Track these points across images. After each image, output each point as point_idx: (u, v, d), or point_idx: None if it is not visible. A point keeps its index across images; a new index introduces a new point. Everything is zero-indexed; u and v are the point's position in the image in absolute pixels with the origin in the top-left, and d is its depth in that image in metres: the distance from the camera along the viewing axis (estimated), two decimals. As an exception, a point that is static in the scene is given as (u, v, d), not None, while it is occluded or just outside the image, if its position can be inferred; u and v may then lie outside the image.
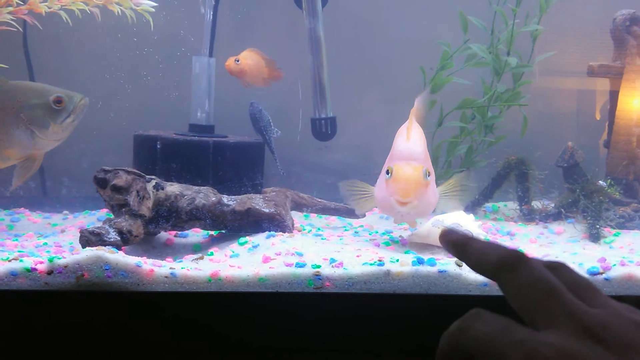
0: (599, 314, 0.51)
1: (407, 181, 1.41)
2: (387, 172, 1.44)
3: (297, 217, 1.85)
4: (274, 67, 2.13)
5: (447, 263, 1.32)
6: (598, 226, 1.78)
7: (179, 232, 1.66)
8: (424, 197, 1.44)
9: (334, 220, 1.94)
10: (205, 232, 1.67)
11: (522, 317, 0.53)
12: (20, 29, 1.79)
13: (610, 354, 0.48)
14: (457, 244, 0.60)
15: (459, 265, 1.29)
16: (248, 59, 2.07)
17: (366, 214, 1.94)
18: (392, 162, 1.47)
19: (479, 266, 0.58)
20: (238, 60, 2.05)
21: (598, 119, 2.37)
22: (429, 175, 1.45)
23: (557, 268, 0.56)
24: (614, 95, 2.12)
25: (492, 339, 0.51)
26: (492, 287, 1.22)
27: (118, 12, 1.77)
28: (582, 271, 1.26)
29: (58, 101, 1.57)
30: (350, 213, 1.89)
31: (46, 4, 1.72)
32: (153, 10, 1.81)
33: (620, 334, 0.49)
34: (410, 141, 1.49)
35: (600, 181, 1.92)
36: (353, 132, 2.26)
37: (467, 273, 1.23)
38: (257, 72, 2.09)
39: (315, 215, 1.93)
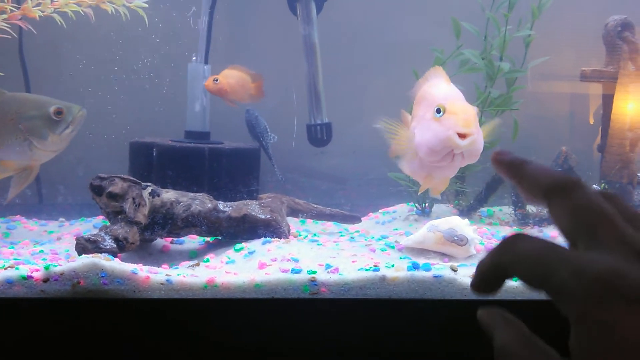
0: None
1: (466, 112, 1.35)
2: (438, 111, 1.35)
3: (293, 222, 1.85)
4: (261, 81, 2.08)
5: (443, 268, 1.33)
6: (592, 230, 1.79)
7: (175, 239, 1.66)
8: (479, 134, 1.36)
9: (330, 225, 1.95)
10: (201, 238, 1.67)
11: (569, 241, 0.52)
12: (16, 35, 1.80)
13: None
14: (512, 164, 0.59)
15: (454, 270, 1.30)
16: (229, 77, 2.02)
17: (362, 219, 1.95)
18: (436, 104, 1.38)
19: (533, 186, 0.56)
20: (217, 80, 1.99)
21: (592, 123, 2.38)
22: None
23: (612, 197, 0.55)
24: (607, 100, 2.14)
25: (537, 255, 0.50)
26: (487, 292, 1.23)
27: (112, 10, 1.78)
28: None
29: (58, 112, 1.58)
30: (346, 219, 1.90)
31: (39, 7, 1.73)
32: (146, 6, 1.82)
33: None
34: (452, 85, 1.44)
35: (594, 185, 1.93)
36: (349, 138, 2.27)
37: (462, 278, 1.24)
38: (242, 89, 2.04)
39: (311, 221, 1.94)
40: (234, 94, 2.03)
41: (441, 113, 1.34)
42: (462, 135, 1.32)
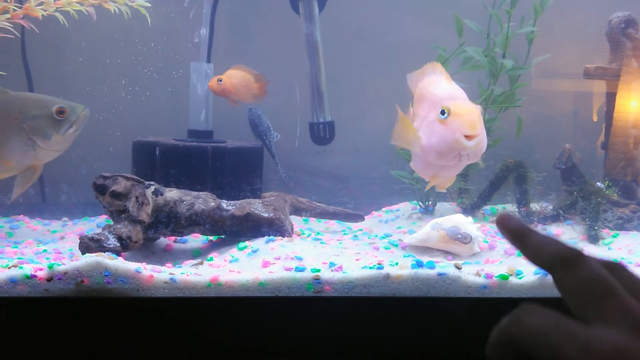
0: None
1: (471, 114, 1.35)
2: (442, 113, 1.35)
3: (296, 221, 1.85)
4: (264, 82, 2.07)
5: (447, 266, 1.33)
6: (596, 228, 1.78)
7: (179, 238, 1.66)
8: (483, 133, 1.37)
9: (333, 224, 1.95)
10: (205, 237, 1.67)
11: (576, 314, 0.53)
12: (19, 34, 1.80)
13: None
14: (517, 233, 0.60)
15: (459, 268, 1.30)
16: (232, 77, 2.01)
17: (365, 217, 1.95)
18: (439, 104, 1.38)
19: (537, 258, 0.58)
20: (221, 80, 1.98)
21: (595, 120, 2.38)
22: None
23: (615, 268, 0.56)
24: (610, 97, 2.13)
25: (546, 331, 0.51)
26: (492, 290, 1.23)
27: (115, 10, 1.78)
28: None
29: (61, 112, 1.58)
30: (349, 217, 1.90)
31: (42, 7, 1.73)
32: (149, 5, 1.82)
33: None
34: (454, 85, 1.44)
35: (598, 183, 1.93)
36: (352, 137, 2.27)
37: (466, 276, 1.24)
38: (245, 90, 2.03)
39: (315, 219, 1.94)
40: (238, 94, 2.03)
41: (446, 115, 1.34)
42: (468, 137, 1.32)
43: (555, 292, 1.26)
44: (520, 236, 0.60)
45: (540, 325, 0.52)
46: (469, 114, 1.34)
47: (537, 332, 0.52)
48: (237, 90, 2.01)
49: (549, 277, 1.22)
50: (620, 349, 0.48)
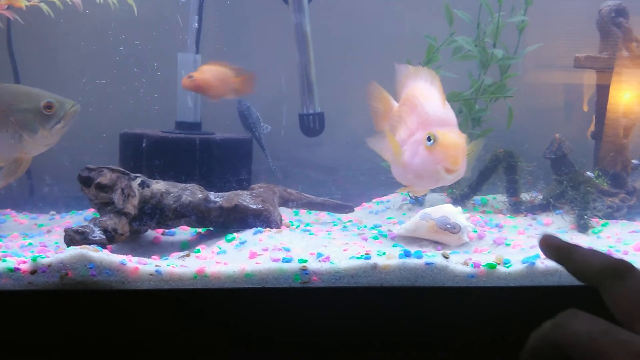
0: None
1: (456, 149, 1.35)
2: (429, 139, 1.36)
3: (286, 213, 1.84)
4: (245, 75, 2.01)
5: (434, 255, 1.32)
6: (586, 217, 1.78)
7: (166, 230, 1.65)
8: (464, 167, 1.38)
9: (324, 215, 1.94)
10: (193, 229, 1.66)
11: (624, 324, 0.54)
12: (3, 25, 1.78)
13: None
14: (562, 249, 0.60)
15: (446, 257, 1.29)
16: (205, 72, 1.94)
17: (356, 209, 1.94)
18: (428, 128, 1.38)
19: (584, 272, 0.59)
20: (192, 77, 1.92)
21: (586, 110, 2.37)
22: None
23: None
24: (600, 87, 2.12)
25: (594, 337, 0.51)
26: (479, 279, 1.22)
27: (100, 0, 1.76)
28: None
29: (48, 106, 1.56)
30: (338, 208, 1.89)
31: (26, -3, 1.71)
32: None
33: None
34: (447, 107, 1.42)
35: (587, 172, 1.93)
36: (343, 129, 2.26)
37: (454, 265, 1.23)
38: (221, 84, 1.97)
39: (305, 211, 1.93)
40: (213, 90, 1.96)
41: (432, 142, 1.35)
42: (448, 170, 1.34)
43: (542, 281, 1.26)
44: (565, 252, 0.60)
45: (589, 332, 0.51)
46: (454, 148, 1.35)
47: (584, 338, 0.51)
48: (211, 85, 1.94)
49: (536, 266, 1.22)
50: None
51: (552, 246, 0.61)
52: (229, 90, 1.99)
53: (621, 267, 0.56)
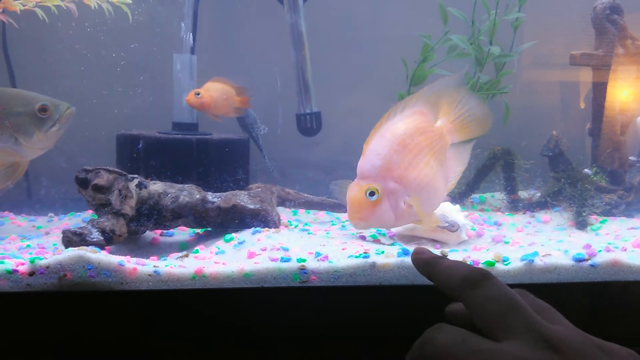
0: (559, 329, 0.52)
1: (350, 203, 1.46)
2: (408, 205, 1.47)
3: (284, 212, 1.84)
4: (247, 95, 2.03)
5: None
6: (584, 214, 1.79)
7: (165, 231, 1.64)
8: (373, 216, 1.45)
9: (322, 215, 1.94)
10: (191, 230, 1.65)
11: (484, 331, 0.55)
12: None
13: None
14: (427, 263, 0.63)
15: (445, 255, 1.29)
16: (211, 90, 1.95)
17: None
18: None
19: (447, 283, 0.61)
20: (199, 94, 1.92)
21: (582, 107, 2.38)
22: (374, 195, 1.44)
23: (520, 292, 0.58)
24: (596, 84, 2.13)
25: (452, 348, 0.53)
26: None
27: (94, 6, 1.76)
28: (567, 258, 1.27)
29: (43, 109, 1.56)
30: (337, 207, 1.89)
31: (20, 1, 1.71)
32: (130, 1, 1.80)
33: (578, 348, 0.50)
34: (365, 157, 1.48)
35: (585, 169, 1.93)
36: (340, 129, 2.26)
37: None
38: (225, 103, 1.98)
39: (304, 210, 1.93)
40: (217, 108, 1.97)
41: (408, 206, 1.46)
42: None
43: (540, 279, 1.26)
44: (431, 264, 0.62)
45: (448, 343, 0.53)
46: (349, 203, 1.46)
47: (444, 350, 0.53)
48: (217, 103, 1.95)
49: (535, 264, 1.23)
50: None
51: (420, 260, 0.64)
52: (231, 109, 1.99)
53: (477, 276, 0.58)
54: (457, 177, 1.61)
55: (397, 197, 1.46)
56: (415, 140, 1.48)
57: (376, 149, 1.47)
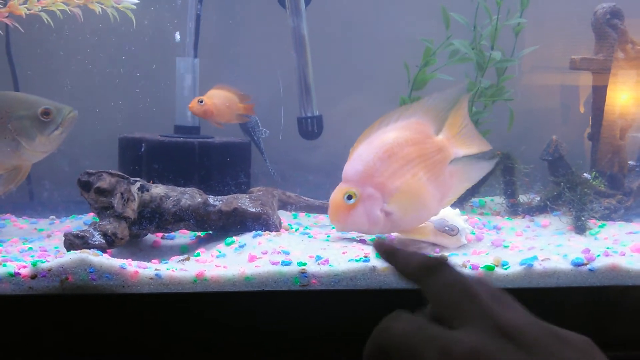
0: (513, 317, 0.53)
1: (330, 204, 1.50)
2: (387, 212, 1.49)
3: (285, 216, 1.85)
4: (249, 100, 2.02)
5: (433, 257, 1.33)
6: (583, 218, 1.79)
7: (166, 234, 1.65)
8: (349, 219, 1.48)
9: (323, 218, 1.95)
10: (193, 233, 1.66)
11: (440, 317, 0.55)
12: (2, 33, 1.79)
13: (521, 352, 0.49)
14: (388, 251, 0.64)
15: (444, 259, 1.30)
16: (214, 98, 1.95)
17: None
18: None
19: (404, 270, 0.62)
20: (202, 101, 1.92)
21: (582, 112, 2.39)
22: (351, 199, 1.46)
23: (477, 280, 0.59)
24: (596, 88, 2.14)
25: (408, 336, 0.53)
26: (477, 280, 1.23)
27: (99, 11, 1.77)
28: (566, 262, 1.27)
29: (46, 113, 1.57)
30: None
31: (26, 5, 1.72)
32: (134, 7, 1.81)
33: (533, 336, 0.50)
34: (350, 161, 1.50)
35: (584, 174, 1.94)
36: (341, 132, 2.26)
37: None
38: (228, 110, 1.98)
39: (304, 214, 1.93)
40: (221, 116, 1.96)
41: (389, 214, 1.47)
42: None
43: (539, 283, 1.27)
44: (391, 254, 0.64)
45: (404, 331, 0.54)
46: (330, 205, 1.51)
47: (399, 338, 0.54)
48: (220, 111, 1.95)
49: (534, 268, 1.23)
50: (476, 349, 0.49)
51: (381, 248, 0.65)
52: (234, 116, 2.00)
53: (434, 263, 0.58)
54: (458, 193, 1.59)
55: (373, 204, 1.47)
56: (405, 150, 1.48)
57: (361, 154, 1.49)
